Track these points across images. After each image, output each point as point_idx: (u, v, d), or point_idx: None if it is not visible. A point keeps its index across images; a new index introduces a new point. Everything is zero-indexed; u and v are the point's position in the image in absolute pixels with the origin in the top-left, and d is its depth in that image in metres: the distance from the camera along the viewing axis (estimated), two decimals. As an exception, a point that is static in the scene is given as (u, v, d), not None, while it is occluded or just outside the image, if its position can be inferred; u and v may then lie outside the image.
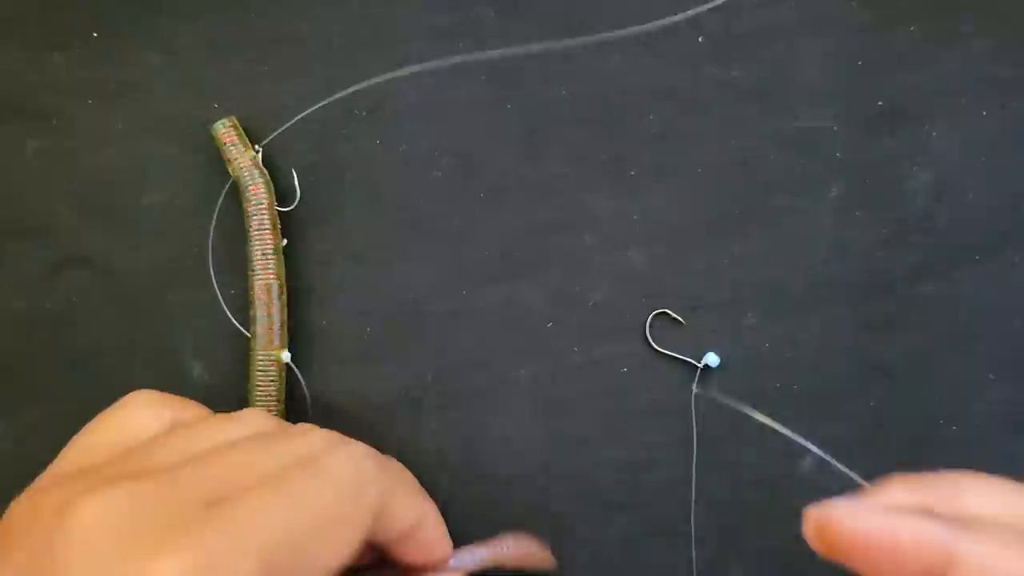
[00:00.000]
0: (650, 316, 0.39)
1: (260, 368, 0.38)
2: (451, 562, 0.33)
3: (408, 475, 0.33)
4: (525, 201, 0.40)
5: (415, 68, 0.40)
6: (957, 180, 0.39)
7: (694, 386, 0.39)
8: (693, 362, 0.39)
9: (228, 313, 0.39)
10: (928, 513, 0.21)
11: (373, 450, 0.31)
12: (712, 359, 0.38)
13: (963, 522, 0.21)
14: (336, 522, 0.25)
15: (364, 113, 0.40)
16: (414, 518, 0.30)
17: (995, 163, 0.39)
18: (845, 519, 0.21)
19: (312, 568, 0.24)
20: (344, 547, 0.26)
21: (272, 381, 0.38)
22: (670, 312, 0.39)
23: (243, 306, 0.39)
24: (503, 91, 0.40)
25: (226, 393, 0.40)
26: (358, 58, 0.40)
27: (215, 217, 0.40)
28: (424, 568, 0.32)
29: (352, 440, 0.31)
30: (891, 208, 0.39)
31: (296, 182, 0.40)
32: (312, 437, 0.29)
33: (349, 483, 0.27)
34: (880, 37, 0.40)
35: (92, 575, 0.20)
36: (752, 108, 0.40)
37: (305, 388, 0.39)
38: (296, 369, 0.39)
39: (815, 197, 0.39)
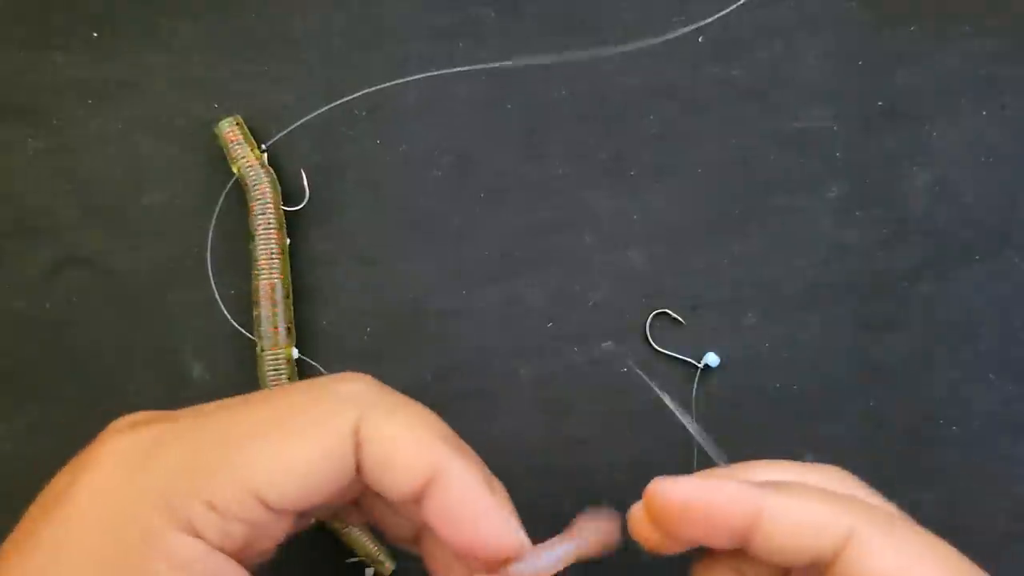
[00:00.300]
0: (650, 316, 0.39)
1: (271, 368, 0.38)
2: (519, 566, 0.25)
3: (429, 420, 0.26)
4: (525, 201, 0.40)
5: (421, 75, 0.40)
6: (957, 180, 0.39)
7: (693, 385, 0.39)
8: (693, 362, 0.39)
9: (227, 314, 0.39)
10: (736, 478, 0.24)
11: (381, 386, 0.27)
12: (712, 359, 0.38)
13: (768, 484, 0.24)
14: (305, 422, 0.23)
15: (364, 113, 0.40)
16: (423, 465, 0.24)
17: (995, 163, 0.39)
18: (669, 489, 0.23)
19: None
20: (319, 457, 0.23)
21: (284, 379, 0.38)
22: (670, 312, 0.39)
23: (244, 306, 0.39)
24: (503, 91, 0.40)
25: (226, 393, 0.39)
26: (358, 58, 0.40)
27: (215, 217, 0.40)
28: (479, 557, 0.24)
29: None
30: (891, 208, 0.39)
31: (305, 182, 0.40)
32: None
33: (326, 386, 0.25)
34: (880, 37, 0.40)
35: (92, 501, 0.22)
36: (752, 108, 0.40)
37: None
38: (312, 361, 0.39)
39: (815, 197, 0.39)
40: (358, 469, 0.24)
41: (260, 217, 0.38)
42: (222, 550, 0.22)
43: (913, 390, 0.39)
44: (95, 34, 0.41)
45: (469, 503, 0.24)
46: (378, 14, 0.40)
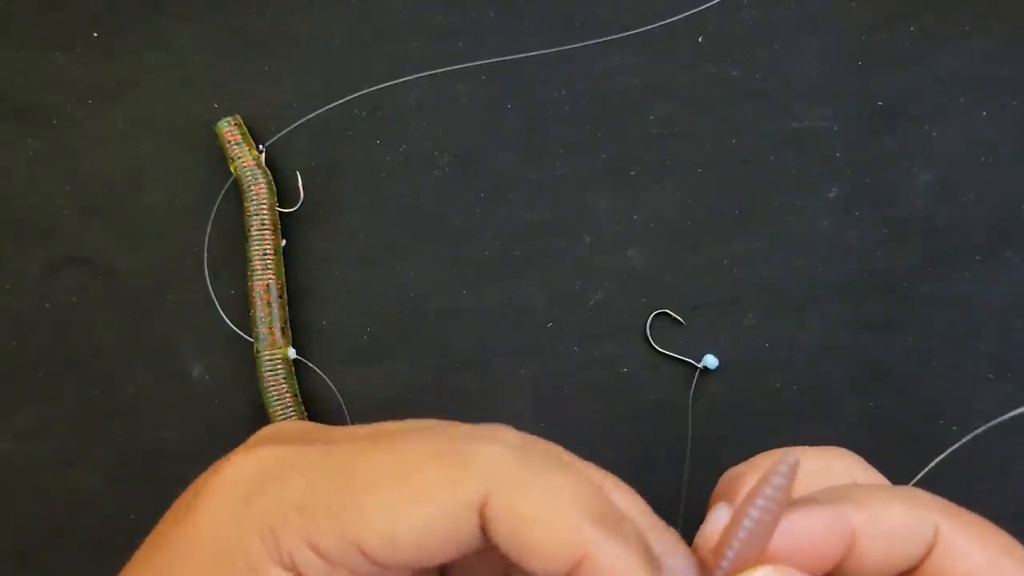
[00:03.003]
0: (650, 316, 0.39)
1: (268, 368, 0.38)
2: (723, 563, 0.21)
3: (578, 494, 0.22)
4: (525, 201, 0.40)
5: (421, 75, 0.40)
6: (957, 180, 0.39)
7: (691, 387, 0.39)
8: (693, 363, 0.39)
9: (223, 314, 0.39)
10: (818, 502, 0.22)
11: (527, 443, 0.24)
12: (711, 361, 0.38)
13: (842, 497, 0.22)
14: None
15: (364, 113, 0.40)
16: (564, 549, 0.20)
17: (995, 163, 0.39)
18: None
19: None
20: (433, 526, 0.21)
21: (282, 379, 0.38)
22: (670, 312, 0.39)
23: (243, 306, 0.39)
24: (503, 91, 0.40)
25: (226, 393, 0.40)
26: (358, 58, 0.40)
27: (212, 218, 0.40)
28: None
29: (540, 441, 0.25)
30: (891, 208, 0.39)
31: (300, 184, 0.40)
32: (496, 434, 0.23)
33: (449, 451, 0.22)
34: (880, 37, 0.40)
35: (208, 522, 0.22)
36: (752, 108, 0.40)
37: (328, 381, 0.39)
38: (309, 363, 0.39)
39: (815, 197, 0.39)
40: (488, 537, 0.21)
41: (254, 218, 0.38)
42: None
43: (913, 390, 0.39)
44: (95, 34, 0.41)
45: None
46: (378, 14, 0.40)
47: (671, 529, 0.23)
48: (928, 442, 0.39)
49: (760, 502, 0.20)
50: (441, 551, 0.21)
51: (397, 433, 0.24)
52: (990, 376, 0.39)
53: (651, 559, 0.21)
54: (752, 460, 0.27)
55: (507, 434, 0.23)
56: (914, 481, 0.39)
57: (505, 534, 0.21)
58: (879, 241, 0.39)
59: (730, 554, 0.21)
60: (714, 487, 0.40)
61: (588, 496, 0.22)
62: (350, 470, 0.22)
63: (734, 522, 0.21)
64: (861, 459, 0.26)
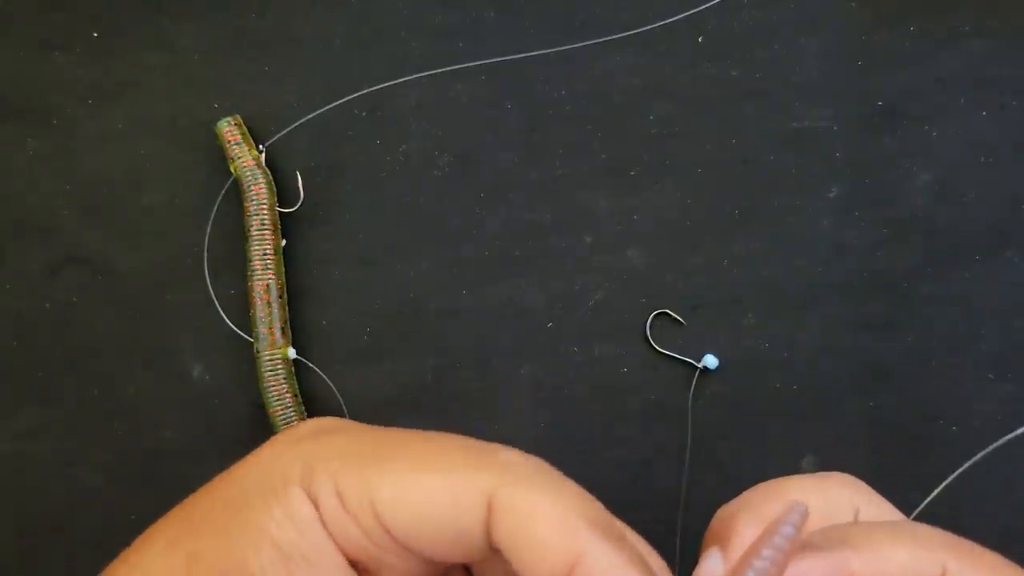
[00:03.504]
0: (650, 316, 0.39)
1: (268, 368, 0.38)
2: None
3: (580, 502, 0.22)
4: (525, 201, 0.40)
5: (421, 75, 0.40)
6: (957, 180, 0.39)
7: (691, 388, 0.39)
8: (693, 363, 0.39)
9: (223, 314, 0.39)
10: (818, 547, 0.22)
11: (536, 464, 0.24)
12: (711, 361, 0.38)
13: (843, 538, 0.22)
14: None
15: (364, 113, 0.40)
16: (560, 546, 0.21)
17: (995, 163, 0.39)
18: None
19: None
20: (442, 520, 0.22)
21: (282, 379, 0.38)
22: (670, 312, 0.39)
23: (243, 306, 0.39)
24: (503, 91, 0.40)
25: (226, 393, 0.40)
26: (358, 58, 0.40)
27: (212, 218, 0.40)
28: None
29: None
30: (891, 208, 0.39)
31: (300, 184, 0.40)
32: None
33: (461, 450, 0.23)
34: (880, 37, 0.40)
35: (264, 453, 0.24)
36: (752, 108, 0.40)
37: (328, 381, 0.39)
38: (309, 363, 0.39)
39: (815, 197, 0.39)
40: (493, 540, 0.22)
41: (254, 218, 0.38)
42: (331, 537, 0.23)
43: (913, 390, 0.39)
44: (95, 34, 0.41)
45: None
46: (378, 14, 0.40)
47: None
48: (928, 442, 0.39)
49: (767, 552, 0.20)
50: (443, 532, 0.22)
51: (435, 433, 0.25)
52: (990, 376, 0.39)
53: (649, 571, 0.21)
54: (744, 497, 0.26)
55: (532, 456, 0.24)
56: (914, 481, 0.39)
57: (506, 529, 0.21)
58: (879, 241, 0.39)
59: None
60: (714, 487, 0.40)
61: (592, 507, 0.22)
62: (388, 440, 0.24)
63: (737, 573, 0.20)
64: (863, 485, 0.26)
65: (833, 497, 0.25)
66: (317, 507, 0.22)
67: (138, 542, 0.24)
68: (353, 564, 0.23)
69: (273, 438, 0.25)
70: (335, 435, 0.24)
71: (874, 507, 0.26)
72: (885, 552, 0.21)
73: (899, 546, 0.22)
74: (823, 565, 0.21)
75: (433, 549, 0.22)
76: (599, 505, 0.23)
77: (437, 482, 0.22)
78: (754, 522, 0.24)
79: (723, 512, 0.26)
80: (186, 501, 0.25)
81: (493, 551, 0.22)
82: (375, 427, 0.25)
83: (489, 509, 0.22)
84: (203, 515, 0.24)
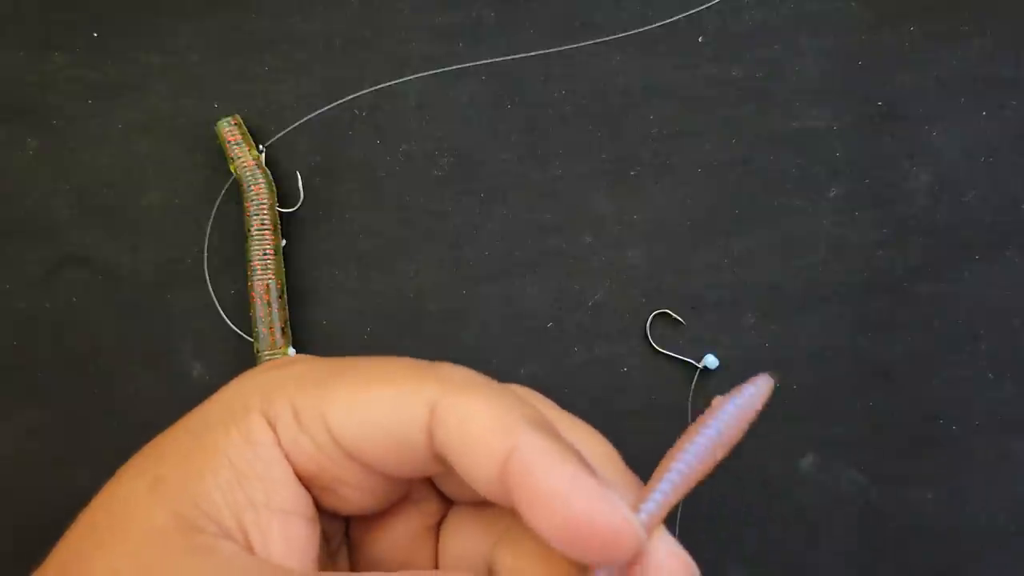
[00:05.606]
0: (650, 316, 0.39)
1: None
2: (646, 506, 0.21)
3: (520, 403, 0.23)
4: (525, 201, 0.40)
5: (421, 75, 0.40)
6: (957, 180, 0.39)
7: (691, 387, 0.39)
8: (693, 363, 0.39)
9: (223, 314, 0.39)
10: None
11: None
12: (711, 361, 0.38)
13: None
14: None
15: (364, 113, 0.40)
16: (499, 441, 0.21)
17: (995, 163, 0.39)
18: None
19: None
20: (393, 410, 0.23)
21: None
22: (670, 312, 0.39)
23: (243, 306, 0.39)
24: (503, 91, 0.40)
25: (226, 393, 0.40)
26: (358, 58, 0.40)
27: (212, 218, 0.40)
28: (583, 549, 0.21)
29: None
30: (891, 208, 0.39)
31: (300, 184, 0.40)
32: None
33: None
34: (880, 37, 0.40)
35: (225, 390, 0.25)
36: (752, 108, 0.40)
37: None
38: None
39: (815, 197, 0.39)
40: (435, 447, 0.23)
41: (254, 218, 0.38)
42: (286, 456, 0.24)
43: (913, 390, 0.39)
44: (95, 34, 0.41)
45: (554, 477, 0.21)
46: (378, 14, 0.40)
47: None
48: (928, 442, 0.39)
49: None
50: (389, 442, 0.23)
51: (386, 356, 0.27)
52: (990, 376, 0.39)
53: (580, 459, 0.22)
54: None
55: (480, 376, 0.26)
56: (914, 481, 0.39)
57: (445, 433, 0.22)
58: (879, 241, 0.39)
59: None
60: (714, 487, 0.40)
61: (526, 408, 0.23)
62: (342, 364, 0.25)
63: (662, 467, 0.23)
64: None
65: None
66: (275, 430, 0.24)
67: (116, 474, 0.26)
68: (312, 484, 0.24)
69: (238, 375, 0.26)
70: (293, 365, 0.26)
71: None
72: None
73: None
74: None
75: (381, 460, 0.24)
76: (535, 407, 0.23)
77: (382, 394, 0.24)
78: None
79: None
80: (158, 436, 0.27)
81: (438, 460, 0.23)
82: (331, 358, 0.27)
83: (431, 418, 0.23)
84: (168, 443, 0.26)
